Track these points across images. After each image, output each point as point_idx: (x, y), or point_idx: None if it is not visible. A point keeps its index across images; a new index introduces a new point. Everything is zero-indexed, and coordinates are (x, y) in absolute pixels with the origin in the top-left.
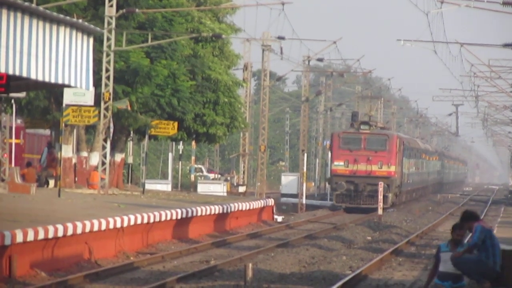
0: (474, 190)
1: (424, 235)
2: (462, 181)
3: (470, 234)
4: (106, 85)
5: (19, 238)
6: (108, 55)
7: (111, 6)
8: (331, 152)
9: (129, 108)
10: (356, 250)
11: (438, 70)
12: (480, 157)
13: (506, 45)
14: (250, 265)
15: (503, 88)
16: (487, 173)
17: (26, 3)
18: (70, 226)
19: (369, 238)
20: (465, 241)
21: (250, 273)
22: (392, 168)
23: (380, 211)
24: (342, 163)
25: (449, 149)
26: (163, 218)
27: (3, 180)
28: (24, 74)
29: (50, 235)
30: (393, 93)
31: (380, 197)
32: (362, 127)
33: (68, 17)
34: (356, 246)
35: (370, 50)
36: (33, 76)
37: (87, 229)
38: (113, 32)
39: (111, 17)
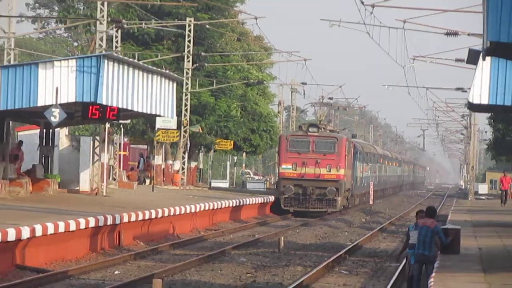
0: (435, 188)
1: (400, 218)
2: (421, 182)
3: (436, 234)
4: (185, 115)
5: (125, 219)
6: (186, 95)
7: (189, 61)
8: (279, 155)
9: (200, 130)
10: (354, 228)
11: (411, 105)
12: (440, 165)
13: (458, 89)
14: (282, 238)
15: (455, 118)
16: (444, 176)
17: (131, 59)
18: (159, 211)
19: (363, 220)
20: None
21: (282, 243)
22: (341, 171)
23: (371, 201)
24: (290, 166)
25: (417, 159)
26: (223, 206)
27: (114, 179)
28: (130, 107)
29: (146, 217)
30: (380, 121)
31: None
32: (310, 129)
33: (159, 69)
34: (354, 225)
35: (365, 90)
36: (135, 109)
37: (171, 213)
38: (190, 79)
39: (188, 69)
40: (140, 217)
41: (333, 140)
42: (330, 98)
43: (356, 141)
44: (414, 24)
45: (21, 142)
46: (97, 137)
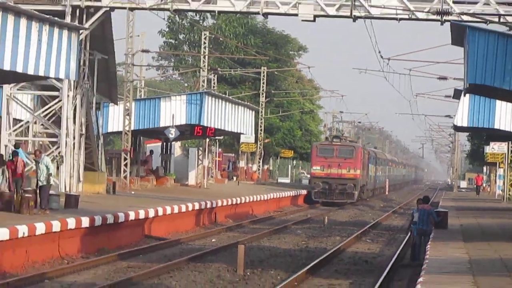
0: (430, 183)
1: (406, 204)
2: (421, 180)
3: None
4: (260, 133)
5: (219, 203)
6: (261, 119)
7: (263, 96)
8: (311, 159)
9: (268, 141)
10: (375, 211)
11: (414, 127)
12: (434, 168)
13: (446, 116)
14: (326, 217)
15: (444, 136)
16: (437, 176)
17: (223, 95)
18: (243, 198)
19: (381, 205)
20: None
21: (326, 220)
22: (358, 172)
23: (387, 192)
24: (319, 167)
25: (418, 164)
26: (286, 195)
27: (212, 177)
28: (223, 128)
29: (234, 202)
30: (393, 137)
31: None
32: (334, 140)
33: (242, 102)
34: (375, 209)
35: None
36: (227, 129)
37: (251, 200)
38: (263, 109)
39: (262, 102)
40: (230, 202)
41: (351, 148)
42: (359, 122)
43: (370, 149)
44: (417, 72)
45: (151, 152)
46: (200, 148)
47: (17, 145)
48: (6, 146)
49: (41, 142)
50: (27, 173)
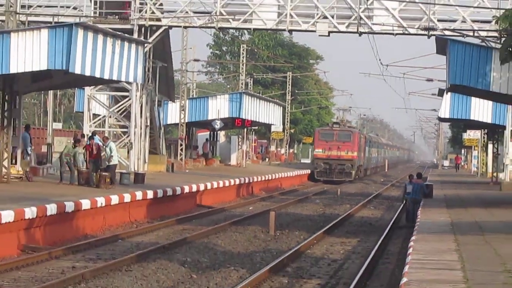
0: (420, 163)
1: (402, 179)
2: (412, 160)
3: (422, 187)
4: (286, 124)
5: (255, 179)
6: (286, 113)
7: (289, 95)
8: (314, 143)
9: (292, 131)
10: (377, 184)
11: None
12: (423, 150)
13: (433, 110)
14: (339, 189)
15: (431, 125)
16: (425, 157)
17: (257, 94)
18: (273, 175)
19: (382, 180)
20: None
21: (339, 192)
22: (355, 154)
23: (386, 169)
24: (321, 150)
25: (410, 147)
26: (307, 172)
27: (249, 158)
28: (257, 120)
29: (266, 178)
30: (391, 127)
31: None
32: (334, 126)
33: (272, 99)
34: (377, 183)
35: (383, 110)
36: (261, 121)
37: (279, 176)
38: (289, 105)
39: (288, 100)
40: (263, 178)
41: (349, 133)
42: (364, 115)
43: (366, 134)
44: (409, 75)
45: (207, 140)
46: (240, 136)
47: (94, 133)
48: (87, 135)
49: (114, 132)
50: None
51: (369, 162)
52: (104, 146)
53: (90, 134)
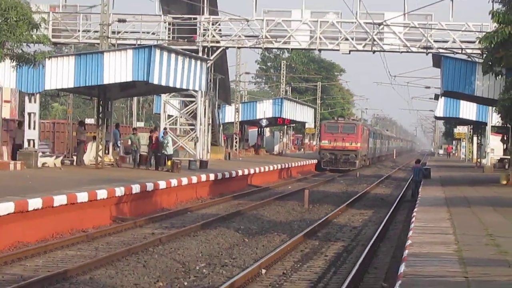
0: (421, 152)
1: (407, 164)
2: (414, 150)
3: (421, 170)
4: (317, 122)
5: (293, 164)
6: (316, 114)
7: (319, 100)
8: (320, 134)
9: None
10: (387, 168)
11: (410, 116)
12: (423, 142)
13: (430, 110)
14: (358, 172)
15: (430, 122)
16: (425, 147)
17: (294, 98)
18: (307, 161)
19: (391, 165)
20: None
21: (357, 174)
22: (358, 145)
23: (395, 156)
24: (327, 141)
25: (413, 139)
26: None
27: (288, 149)
28: (295, 119)
29: (302, 164)
30: (398, 123)
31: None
32: (339, 119)
33: (306, 103)
34: (387, 167)
35: (391, 109)
36: (297, 120)
37: (312, 162)
38: (318, 107)
39: (318, 103)
40: (299, 164)
41: (353, 125)
42: (377, 115)
43: (370, 127)
44: (412, 83)
45: (258, 134)
46: (281, 131)
47: (155, 127)
48: (153, 128)
49: (184, 129)
50: (176, 147)
51: (373, 152)
52: (163, 139)
53: (152, 128)
